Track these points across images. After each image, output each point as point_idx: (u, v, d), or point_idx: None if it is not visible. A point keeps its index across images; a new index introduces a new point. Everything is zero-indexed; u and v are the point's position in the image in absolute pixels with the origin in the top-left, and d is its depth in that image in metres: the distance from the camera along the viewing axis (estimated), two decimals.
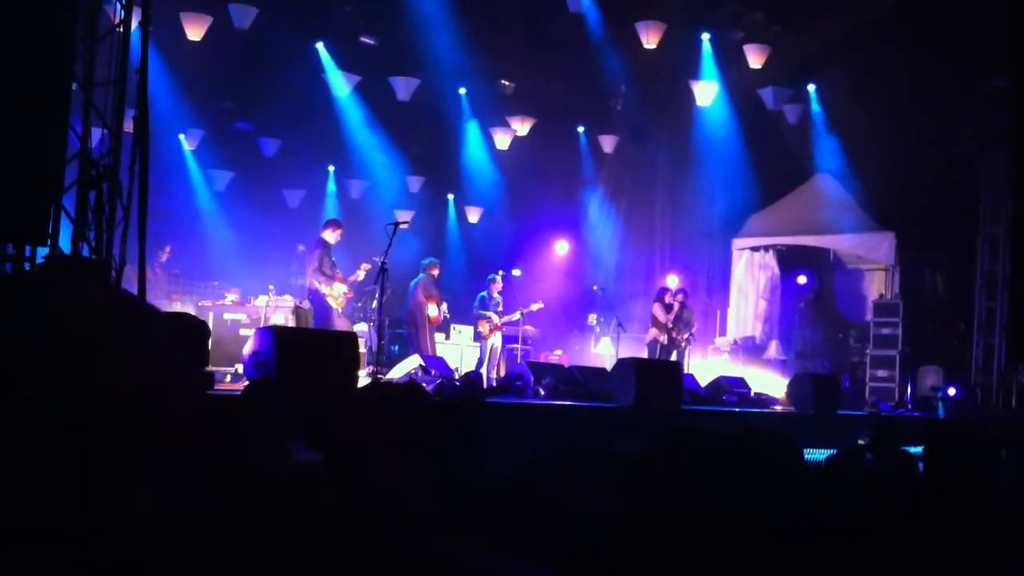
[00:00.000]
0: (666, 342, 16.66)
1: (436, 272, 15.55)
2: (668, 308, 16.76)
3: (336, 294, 13.24)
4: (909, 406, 15.49)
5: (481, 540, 1.64)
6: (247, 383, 5.51)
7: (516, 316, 16.44)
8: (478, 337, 16.10)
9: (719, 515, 2.04)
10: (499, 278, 16.18)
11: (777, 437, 2.59)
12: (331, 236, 13.56)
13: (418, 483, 1.99)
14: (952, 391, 16.58)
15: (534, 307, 16.58)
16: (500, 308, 15.96)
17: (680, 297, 16.95)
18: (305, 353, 8.36)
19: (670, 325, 16.69)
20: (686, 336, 16.92)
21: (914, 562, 2.57)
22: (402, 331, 18.26)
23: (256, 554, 1.73)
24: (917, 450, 5.72)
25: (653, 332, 16.90)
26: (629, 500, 2.20)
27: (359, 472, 2.02)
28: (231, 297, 16.28)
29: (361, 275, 13.63)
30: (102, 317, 1.05)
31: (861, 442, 8.57)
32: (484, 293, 16.01)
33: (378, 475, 2.00)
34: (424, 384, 10.04)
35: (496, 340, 15.96)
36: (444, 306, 15.44)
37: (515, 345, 17.10)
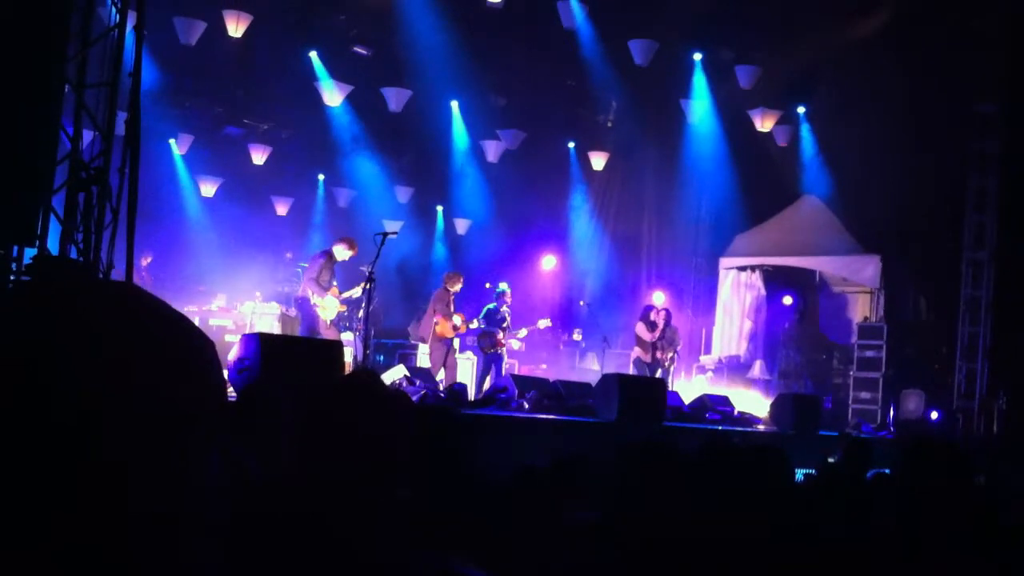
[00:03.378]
0: (650, 360, 16.50)
1: (453, 286, 14.91)
2: (652, 326, 16.64)
3: (327, 306, 13.12)
4: (891, 428, 15.56)
5: (460, 554, 1.65)
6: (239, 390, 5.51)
7: (523, 333, 16.14)
8: (477, 350, 15.67)
9: (696, 523, 2.06)
10: (509, 292, 15.58)
11: (764, 451, 2.63)
12: (342, 252, 13.27)
13: (393, 489, 2.00)
14: (934, 415, 16.66)
15: (541, 324, 16.24)
16: (507, 324, 15.39)
17: (664, 315, 16.80)
18: (290, 360, 8.38)
19: (655, 343, 16.59)
20: (670, 355, 16.80)
21: None
22: (387, 341, 18.24)
23: (254, 559, 1.74)
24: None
25: (637, 351, 16.77)
26: (609, 510, 2.22)
27: (334, 476, 2.03)
28: (217, 303, 16.27)
29: (357, 292, 13.21)
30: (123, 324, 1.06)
31: (831, 460, 8.61)
32: (492, 306, 15.33)
33: (353, 479, 2.01)
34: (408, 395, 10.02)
35: (503, 353, 15.40)
36: (456, 321, 14.79)
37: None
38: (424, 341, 15.40)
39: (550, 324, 16.51)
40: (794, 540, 2.10)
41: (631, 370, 16.58)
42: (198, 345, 1.12)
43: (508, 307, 15.48)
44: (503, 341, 15.34)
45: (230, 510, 1.78)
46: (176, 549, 1.04)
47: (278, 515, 1.85)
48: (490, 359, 15.27)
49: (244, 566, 1.71)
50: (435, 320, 14.71)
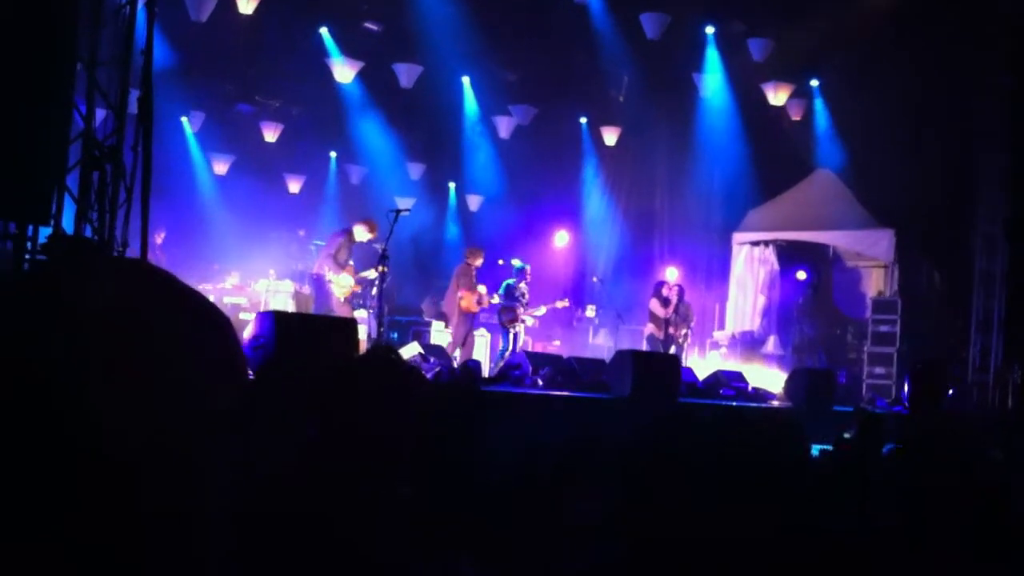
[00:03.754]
0: (663, 337, 16.52)
1: (475, 260, 15.15)
2: (665, 302, 16.65)
3: (342, 284, 13.20)
4: (906, 403, 15.50)
5: (468, 552, 1.65)
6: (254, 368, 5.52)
7: (541, 311, 16.19)
8: (494, 326, 15.74)
9: (715, 509, 2.06)
10: (529, 268, 15.72)
11: (782, 425, 2.62)
12: (361, 233, 13.42)
13: (408, 477, 1.98)
14: (949, 390, 16.61)
15: (559, 304, 16.37)
16: (526, 300, 15.52)
17: (677, 291, 16.80)
18: (305, 338, 8.39)
19: (668, 319, 16.59)
20: (684, 332, 16.80)
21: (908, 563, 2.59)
22: (400, 319, 18.27)
23: (268, 548, 1.73)
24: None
25: (650, 327, 16.78)
26: (623, 495, 2.22)
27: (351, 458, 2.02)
28: (231, 281, 16.31)
29: (372, 274, 13.34)
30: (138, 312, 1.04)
31: (847, 435, 8.58)
32: (512, 281, 15.48)
33: (368, 464, 2.00)
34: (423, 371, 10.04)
35: (519, 329, 15.54)
36: (480, 294, 15.01)
37: None
38: (448, 317, 15.47)
39: (568, 305, 16.57)
40: (808, 522, 2.10)
41: (644, 346, 16.61)
42: (217, 323, 1.11)
43: (527, 284, 15.56)
44: (521, 317, 15.43)
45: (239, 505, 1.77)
46: (195, 539, 1.03)
47: (281, 514, 1.83)
48: (508, 334, 15.33)
49: (247, 563, 1.70)
50: (460, 295, 14.80)
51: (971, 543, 2.67)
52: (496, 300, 15.18)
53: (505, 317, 15.32)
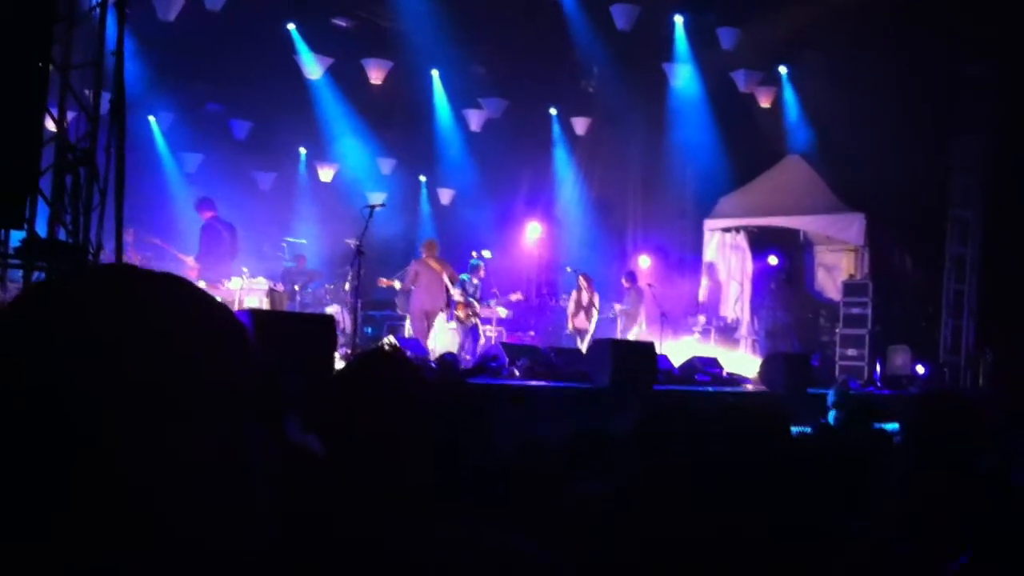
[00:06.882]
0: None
1: (424, 253, 15.58)
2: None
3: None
4: (878, 384, 15.68)
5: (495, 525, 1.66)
6: None
7: (494, 304, 16.49)
8: (453, 318, 15.95)
9: (720, 497, 2.09)
10: (483, 265, 16.05)
11: (766, 413, 2.66)
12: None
13: (419, 465, 1.99)
14: (921, 370, 16.80)
15: (513, 297, 16.65)
16: (478, 295, 15.79)
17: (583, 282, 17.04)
18: (283, 336, 8.38)
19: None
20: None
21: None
22: (375, 313, 18.27)
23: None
24: (891, 427, 5.82)
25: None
26: (628, 484, 2.25)
27: (357, 454, 2.03)
28: (203, 280, 16.20)
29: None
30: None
31: (824, 420, 8.65)
32: (465, 277, 15.72)
33: (375, 456, 2.01)
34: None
35: (476, 323, 15.79)
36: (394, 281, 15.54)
37: (488, 327, 17.11)
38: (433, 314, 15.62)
39: (522, 298, 16.87)
40: (806, 517, 2.13)
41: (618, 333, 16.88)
42: (232, 330, 1.12)
43: (480, 279, 15.87)
44: (477, 311, 15.70)
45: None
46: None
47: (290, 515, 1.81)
48: (466, 329, 15.58)
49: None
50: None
51: (968, 539, 2.70)
52: (456, 294, 15.37)
53: (457, 312, 15.62)
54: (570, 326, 17.08)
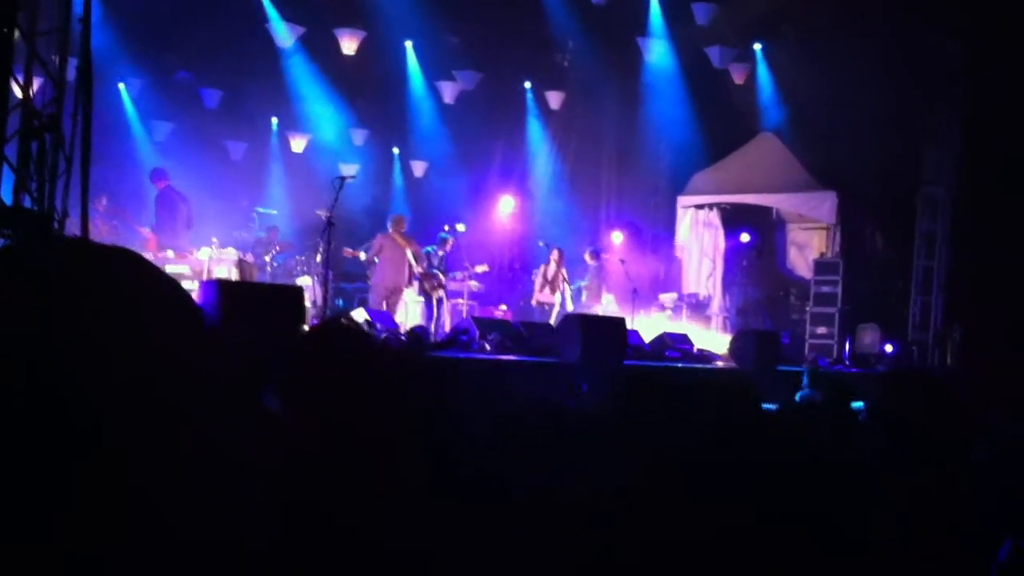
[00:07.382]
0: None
1: (391, 228, 15.53)
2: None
3: None
4: (847, 362, 15.79)
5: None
6: None
7: (460, 276, 16.56)
8: (422, 292, 15.95)
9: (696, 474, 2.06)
10: (451, 240, 16.10)
11: (736, 390, 2.64)
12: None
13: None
14: (889, 348, 16.93)
15: (479, 269, 16.73)
16: (443, 267, 15.81)
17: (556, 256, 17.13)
18: (250, 307, 8.31)
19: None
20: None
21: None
22: (346, 286, 18.21)
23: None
24: (857, 405, 5.82)
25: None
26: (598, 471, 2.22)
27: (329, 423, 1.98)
28: (171, 250, 16.07)
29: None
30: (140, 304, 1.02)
31: (797, 398, 8.69)
32: (431, 249, 15.75)
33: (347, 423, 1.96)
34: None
35: (441, 295, 15.84)
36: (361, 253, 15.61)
37: (460, 300, 17.11)
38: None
39: (488, 269, 17.00)
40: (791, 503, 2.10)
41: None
42: (189, 309, 1.09)
43: (447, 252, 15.90)
44: (443, 283, 15.73)
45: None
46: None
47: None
48: (430, 301, 15.63)
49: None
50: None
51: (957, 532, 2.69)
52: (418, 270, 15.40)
53: (424, 285, 15.55)
54: (535, 300, 17.11)
